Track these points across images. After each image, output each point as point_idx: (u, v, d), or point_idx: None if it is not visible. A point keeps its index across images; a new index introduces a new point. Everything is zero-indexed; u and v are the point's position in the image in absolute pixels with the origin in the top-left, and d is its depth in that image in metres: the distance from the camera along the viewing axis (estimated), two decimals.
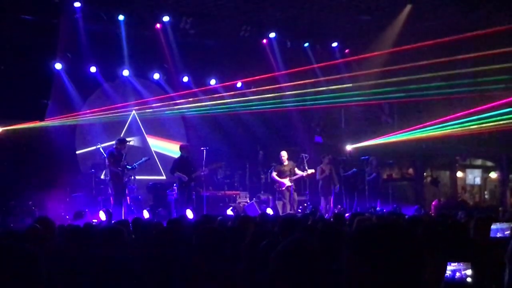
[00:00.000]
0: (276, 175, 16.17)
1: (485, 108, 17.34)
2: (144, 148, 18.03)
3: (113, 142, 14.43)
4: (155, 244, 5.76)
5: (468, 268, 3.75)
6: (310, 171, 16.31)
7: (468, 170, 24.86)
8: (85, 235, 6.06)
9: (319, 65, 19.07)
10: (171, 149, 18.10)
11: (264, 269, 3.54)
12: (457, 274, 3.75)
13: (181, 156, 15.21)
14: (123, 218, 12.78)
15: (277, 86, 18.74)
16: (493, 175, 24.53)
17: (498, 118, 17.27)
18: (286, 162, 16.14)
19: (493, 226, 5.41)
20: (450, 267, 3.75)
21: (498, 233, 5.35)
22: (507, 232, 5.26)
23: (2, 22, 14.65)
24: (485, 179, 24.83)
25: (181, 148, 15.42)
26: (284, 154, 16.18)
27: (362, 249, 2.04)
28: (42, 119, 15.78)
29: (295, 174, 16.09)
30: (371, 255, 2.00)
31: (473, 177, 24.84)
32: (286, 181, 15.98)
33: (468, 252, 4.75)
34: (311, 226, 6.92)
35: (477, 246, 4.89)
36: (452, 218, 9.07)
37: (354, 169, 17.84)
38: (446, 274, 3.72)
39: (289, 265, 3.02)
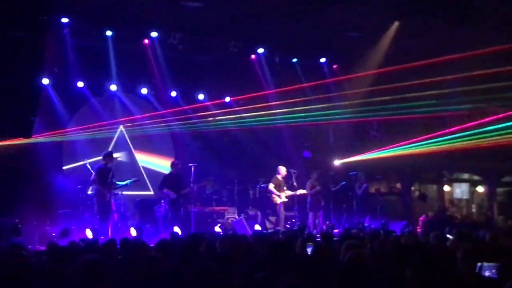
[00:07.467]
0: (274, 187, 16.13)
1: (473, 125, 17.45)
2: (132, 163, 17.90)
3: (101, 158, 14.36)
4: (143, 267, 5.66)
5: None
6: (301, 191, 16.36)
7: (455, 184, 24.96)
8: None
9: (308, 84, 18.96)
10: (159, 164, 18.00)
11: None
12: None
13: (171, 173, 15.17)
14: (109, 235, 12.78)
15: (266, 104, 18.68)
16: (480, 189, 24.65)
17: (486, 134, 17.38)
18: (281, 178, 16.18)
19: (479, 264, 5.41)
20: None
21: (486, 272, 5.34)
22: (494, 271, 5.25)
23: None
24: (472, 193, 24.94)
25: (172, 164, 15.36)
26: (283, 169, 16.23)
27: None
28: (29, 136, 15.63)
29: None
30: None
31: (461, 191, 24.94)
32: (283, 196, 16.02)
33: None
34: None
35: (465, 283, 4.89)
36: (440, 240, 9.01)
37: (343, 182, 17.85)
38: None
39: None
